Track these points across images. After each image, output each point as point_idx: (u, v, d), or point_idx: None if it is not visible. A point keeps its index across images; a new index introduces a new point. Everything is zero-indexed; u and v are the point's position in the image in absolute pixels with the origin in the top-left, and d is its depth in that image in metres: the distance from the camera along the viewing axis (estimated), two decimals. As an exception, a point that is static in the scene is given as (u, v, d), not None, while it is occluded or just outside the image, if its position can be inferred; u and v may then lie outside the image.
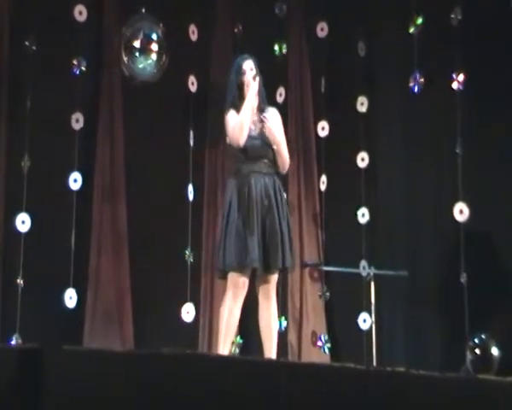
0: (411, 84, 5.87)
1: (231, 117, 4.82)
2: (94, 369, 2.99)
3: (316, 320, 6.23)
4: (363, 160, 6.31)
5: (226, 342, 4.70)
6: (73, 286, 5.72)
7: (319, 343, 6.11)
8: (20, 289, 5.61)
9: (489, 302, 5.71)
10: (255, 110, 4.88)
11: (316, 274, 6.30)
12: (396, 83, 6.29)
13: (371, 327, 5.93)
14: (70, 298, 5.70)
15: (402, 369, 3.46)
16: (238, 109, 4.81)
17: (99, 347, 5.27)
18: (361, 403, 3.10)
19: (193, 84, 6.19)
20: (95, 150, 6.05)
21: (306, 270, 6.27)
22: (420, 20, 5.89)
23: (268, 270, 4.70)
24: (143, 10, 5.71)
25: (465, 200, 5.79)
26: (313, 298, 6.26)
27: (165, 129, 6.14)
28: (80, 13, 5.91)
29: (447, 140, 6.10)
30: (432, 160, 6.35)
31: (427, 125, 6.27)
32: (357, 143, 6.32)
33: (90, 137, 6.02)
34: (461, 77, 5.88)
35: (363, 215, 6.26)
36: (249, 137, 4.79)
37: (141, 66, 5.61)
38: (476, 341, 5.61)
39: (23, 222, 5.67)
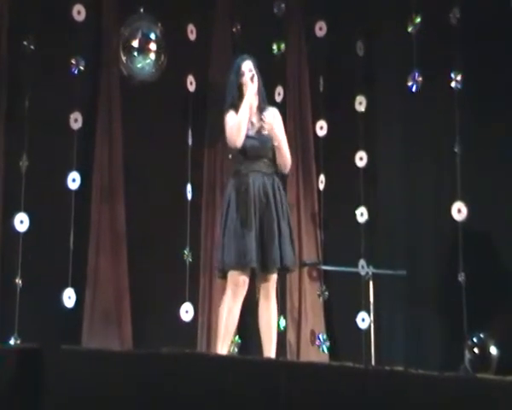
0: (410, 84, 5.87)
1: (230, 118, 4.83)
2: (93, 369, 2.99)
3: (314, 320, 6.23)
4: (361, 159, 6.31)
5: (225, 342, 4.70)
6: (72, 286, 5.71)
7: (317, 342, 6.11)
8: (18, 289, 5.61)
9: (488, 302, 5.71)
10: (255, 110, 4.88)
11: (314, 273, 6.30)
12: (395, 82, 6.28)
13: (370, 326, 5.93)
14: (69, 298, 5.70)
15: (401, 368, 3.47)
16: (237, 110, 4.81)
17: (98, 347, 5.26)
18: (360, 402, 3.10)
19: (191, 83, 6.19)
20: (93, 150, 6.05)
21: (305, 269, 6.27)
22: (418, 19, 5.89)
23: (266, 269, 4.70)
24: (142, 10, 5.71)
25: (464, 199, 5.79)
26: (312, 297, 6.26)
27: (164, 129, 6.13)
28: (79, 12, 5.91)
29: (446, 139, 6.10)
30: (431, 159, 6.35)
31: (426, 124, 6.27)
32: (355, 142, 6.32)
33: (88, 137, 6.02)
34: (460, 76, 5.88)
35: (362, 215, 6.26)
36: (248, 137, 4.79)
37: (139, 65, 5.61)
38: (475, 340, 5.61)
39: (21, 222, 5.67)
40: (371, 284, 5.96)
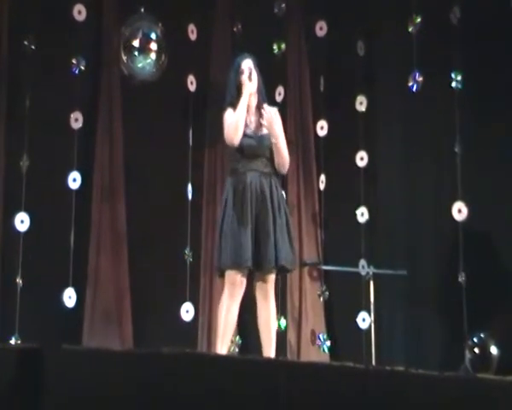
0: (410, 84, 5.87)
1: (228, 115, 4.82)
2: (93, 368, 2.99)
3: (315, 319, 6.23)
4: (362, 159, 6.31)
5: (224, 341, 4.69)
6: (72, 285, 5.72)
7: (318, 342, 6.12)
8: (19, 289, 5.62)
9: (488, 302, 5.72)
10: (253, 109, 4.88)
11: (315, 273, 6.30)
12: (395, 82, 6.28)
13: (370, 326, 5.94)
14: (69, 297, 5.71)
15: (401, 368, 3.46)
16: (236, 108, 4.80)
17: (98, 346, 5.27)
18: (360, 402, 3.10)
19: (192, 83, 6.20)
20: (94, 150, 6.05)
21: (306, 269, 6.28)
22: (418, 19, 5.89)
23: (261, 269, 4.68)
24: (142, 10, 5.72)
25: (464, 199, 5.80)
26: (312, 297, 6.26)
27: (165, 128, 6.14)
28: (79, 12, 5.92)
29: (446, 139, 6.11)
30: (431, 159, 6.35)
31: (427, 124, 6.27)
32: (356, 142, 6.32)
33: (89, 137, 6.03)
34: (460, 76, 5.88)
35: (363, 214, 6.26)
36: (246, 135, 4.78)
37: (140, 65, 5.61)
38: (475, 340, 5.61)
39: (22, 221, 5.68)
40: (372, 283, 5.97)
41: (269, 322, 4.78)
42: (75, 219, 5.81)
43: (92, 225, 5.96)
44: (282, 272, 4.88)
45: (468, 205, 5.78)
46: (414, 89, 5.87)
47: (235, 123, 4.75)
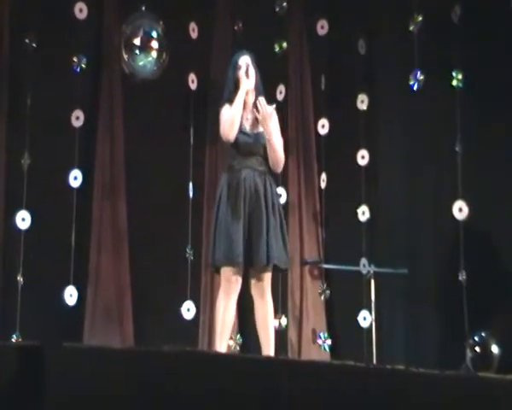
0: (411, 82, 5.86)
1: (225, 111, 4.81)
2: (94, 366, 2.99)
3: (316, 318, 6.23)
4: (363, 158, 6.31)
5: (223, 338, 4.69)
6: (73, 283, 5.72)
7: (319, 341, 6.12)
8: (20, 287, 5.62)
9: (488, 300, 5.71)
10: (250, 106, 4.86)
11: (316, 272, 6.30)
12: (396, 81, 6.28)
13: (371, 325, 5.94)
14: (70, 295, 5.71)
15: (402, 367, 3.46)
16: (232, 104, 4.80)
17: (99, 344, 5.27)
18: (361, 401, 3.10)
19: (193, 81, 6.20)
20: (95, 148, 6.05)
21: (306, 268, 6.28)
22: (419, 18, 5.89)
23: (253, 266, 4.66)
24: (143, 8, 5.73)
25: (465, 198, 5.79)
26: (313, 296, 6.26)
27: (166, 127, 6.14)
28: (80, 10, 5.92)
29: (447, 138, 6.10)
30: (432, 158, 6.35)
31: (427, 123, 6.26)
32: (357, 140, 6.32)
33: (90, 135, 6.02)
34: (461, 75, 5.88)
35: (364, 213, 6.26)
36: (242, 132, 4.77)
37: (141, 63, 5.62)
38: (476, 339, 5.61)
39: (23, 219, 5.68)
40: (372, 282, 5.97)
41: (266, 320, 4.76)
42: (76, 217, 5.81)
43: (93, 223, 5.96)
44: (276, 271, 4.86)
45: (468, 204, 5.78)
46: (415, 87, 5.87)
47: (231, 119, 4.74)
